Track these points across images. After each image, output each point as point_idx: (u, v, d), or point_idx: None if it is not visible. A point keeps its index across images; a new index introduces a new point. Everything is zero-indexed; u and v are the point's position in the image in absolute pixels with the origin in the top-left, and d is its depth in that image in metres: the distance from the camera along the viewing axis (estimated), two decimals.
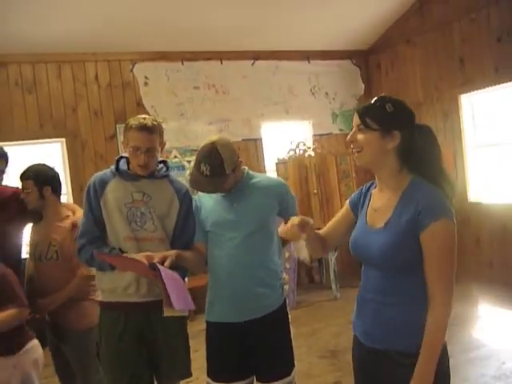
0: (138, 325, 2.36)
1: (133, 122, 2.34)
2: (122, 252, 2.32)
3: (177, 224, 2.44)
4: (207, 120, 6.38)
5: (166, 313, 2.06)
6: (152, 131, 2.34)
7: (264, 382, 2.34)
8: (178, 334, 2.47)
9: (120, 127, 6.00)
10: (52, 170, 2.96)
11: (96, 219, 2.39)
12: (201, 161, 2.26)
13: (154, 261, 2.12)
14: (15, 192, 2.96)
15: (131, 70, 6.16)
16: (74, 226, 2.79)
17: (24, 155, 5.55)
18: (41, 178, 2.85)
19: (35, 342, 2.55)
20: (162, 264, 2.12)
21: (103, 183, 2.40)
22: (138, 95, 6.17)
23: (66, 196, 5.75)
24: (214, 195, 2.40)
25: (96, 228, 2.39)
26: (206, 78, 6.50)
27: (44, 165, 2.95)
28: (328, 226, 2.02)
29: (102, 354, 2.43)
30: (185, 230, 2.44)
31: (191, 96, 6.40)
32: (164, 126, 6.08)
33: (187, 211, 2.46)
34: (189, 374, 2.52)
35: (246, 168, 2.46)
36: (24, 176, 2.86)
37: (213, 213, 2.38)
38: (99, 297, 2.49)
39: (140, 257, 2.16)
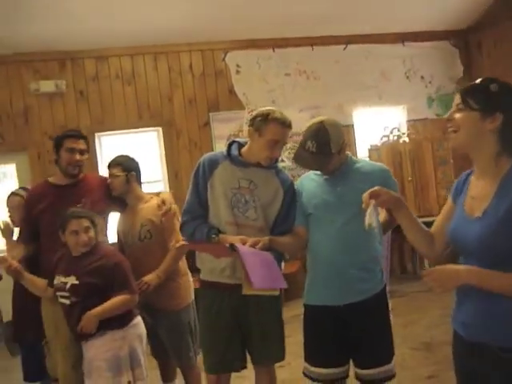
0: (234, 306, 2.42)
1: (275, 115, 2.35)
2: (220, 232, 2.37)
3: (278, 215, 2.47)
4: (298, 107, 6.34)
5: (245, 291, 2.10)
6: (290, 127, 2.40)
7: (363, 368, 2.33)
8: (274, 316, 2.51)
9: (213, 115, 6.15)
10: (135, 159, 3.14)
11: (201, 199, 2.46)
12: (307, 138, 2.30)
13: (247, 244, 2.17)
14: (104, 178, 3.14)
15: (223, 59, 6.26)
16: (162, 202, 2.93)
17: (124, 144, 5.86)
18: (128, 164, 3.05)
19: (139, 319, 2.70)
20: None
21: (213, 165, 2.45)
22: (230, 83, 6.27)
23: (162, 183, 5.99)
24: (316, 178, 2.43)
25: (200, 207, 2.46)
26: (297, 65, 6.46)
27: (128, 155, 3.14)
28: (435, 224, 1.93)
29: (200, 331, 2.53)
30: (285, 221, 2.47)
31: (282, 83, 6.39)
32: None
33: (290, 203, 2.48)
34: (282, 358, 2.55)
35: (349, 153, 2.48)
36: (113, 162, 3.05)
37: (315, 195, 2.41)
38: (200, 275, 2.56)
39: (235, 239, 2.23)
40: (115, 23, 5.40)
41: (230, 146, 2.50)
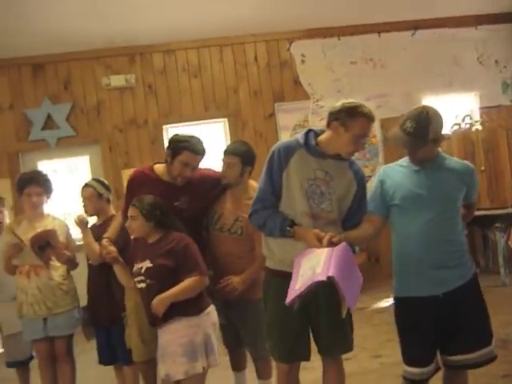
0: (303, 296, 2.40)
1: (362, 110, 2.32)
2: (294, 224, 2.36)
3: (351, 207, 2.45)
4: (365, 96, 6.19)
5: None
6: (374, 120, 2.40)
7: (464, 353, 2.37)
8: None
9: (278, 106, 6.15)
10: (252, 149, 3.04)
11: (274, 187, 2.42)
12: (408, 118, 2.33)
13: (325, 240, 2.20)
14: (205, 174, 3.07)
15: (288, 49, 6.23)
16: None
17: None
18: (247, 158, 2.95)
19: (213, 307, 2.74)
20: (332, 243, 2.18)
21: (289, 152, 2.40)
22: (295, 73, 6.23)
23: None
24: (402, 169, 2.44)
25: (272, 196, 2.43)
26: (364, 53, 6.33)
27: (249, 145, 3.05)
28: None
29: (267, 320, 2.53)
30: (357, 214, 2.46)
31: (348, 71, 6.28)
32: (321, 103, 6.07)
33: (362, 195, 2.47)
34: (350, 349, 2.53)
35: (440, 149, 2.47)
36: (232, 151, 2.98)
37: (402, 186, 2.40)
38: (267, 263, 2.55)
39: (310, 234, 2.25)
40: (181, 18, 5.49)
41: (306, 134, 2.45)
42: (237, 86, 6.15)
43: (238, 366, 3.26)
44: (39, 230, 3.24)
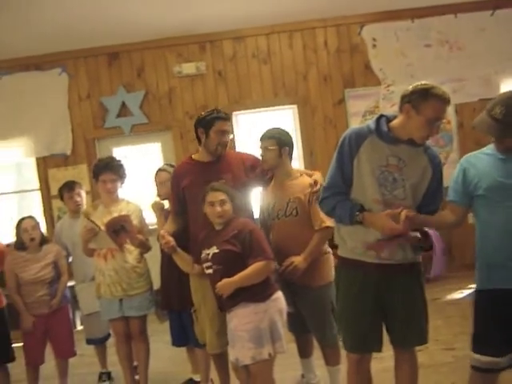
0: (376, 286, 2.38)
1: (435, 91, 2.25)
2: (364, 210, 2.32)
3: (426, 193, 2.38)
4: (439, 80, 5.90)
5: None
6: (449, 103, 2.30)
7: None
8: (418, 298, 2.43)
9: (348, 92, 6.04)
10: (289, 133, 3.15)
11: (344, 174, 2.39)
12: (497, 103, 2.24)
13: (403, 214, 2.17)
14: (244, 155, 3.22)
15: (359, 33, 6.09)
16: (315, 182, 2.93)
17: (260, 122, 5.99)
18: (283, 138, 3.05)
19: (280, 294, 2.76)
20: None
21: (359, 139, 2.37)
22: (365, 58, 6.09)
23: (298, 161, 6.04)
24: (487, 158, 2.36)
25: (343, 183, 2.40)
26: (439, 34, 6.07)
27: (283, 129, 3.14)
28: None
29: (338, 309, 2.52)
30: (433, 201, 2.40)
31: (422, 55, 6.05)
32: (393, 88, 5.87)
33: (438, 181, 2.40)
34: (425, 341, 2.48)
35: None
36: (267, 135, 3.07)
37: (487, 176, 2.32)
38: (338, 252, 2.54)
39: (381, 216, 2.23)
40: (251, 4, 5.47)
41: (378, 120, 2.40)
42: (306, 71, 6.09)
43: (304, 352, 3.28)
44: (114, 215, 3.37)
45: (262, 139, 3.08)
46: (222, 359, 3.17)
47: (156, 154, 6.23)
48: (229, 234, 2.69)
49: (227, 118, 3.10)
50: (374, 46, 6.08)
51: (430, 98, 2.22)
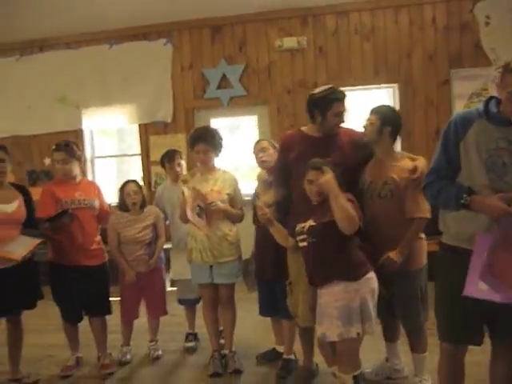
0: None
1: None
2: (472, 192, 2.20)
3: None
4: None
5: None
6: None
7: None
8: None
9: (454, 72, 5.75)
10: (397, 113, 3.07)
11: (451, 159, 2.30)
12: None
13: None
14: (356, 134, 3.14)
15: (471, 10, 5.74)
16: (415, 168, 2.84)
17: (359, 100, 5.87)
18: (385, 115, 2.97)
19: (373, 274, 2.73)
20: None
21: (466, 123, 2.27)
22: (476, 37, 5.74)
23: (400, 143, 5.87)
24: None
25: (448, 167, 2.31)
26: None
27: (393, 108, 3.08)
28: None
29: (437, 296, 2.45)
30: None
31: None
32: None
33: None
34: None
35: None
36: (374, 109, 3.02)
37: None
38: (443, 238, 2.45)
39: (493, 199, 2.11)
40: None
41: (487, 102, 2.28)
42: (410, 49, 5.85)
43: (390, 336, 3.25)
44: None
45: (371, 112, 3.04)
46: (309, 333, 3.22)
47: (251, 127, 6.31)
48: (325, 207, 2.67)
49: (344, 98, 3.04)
50: (487, 23, 5.71)
51: (509, 71, 2.09)
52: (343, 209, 2.57)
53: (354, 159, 3.03)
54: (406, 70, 5.86)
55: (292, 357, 3.53)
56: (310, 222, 2.73)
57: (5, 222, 3.28)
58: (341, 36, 5.96)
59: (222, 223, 3.50)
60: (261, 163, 3.57)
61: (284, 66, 6.06)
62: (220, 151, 3.64)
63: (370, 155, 3.05)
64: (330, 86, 3.10)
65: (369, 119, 3.00)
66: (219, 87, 6.15)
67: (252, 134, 6.10)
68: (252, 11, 5.95)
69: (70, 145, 3.69)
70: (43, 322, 4.62)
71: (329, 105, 2.97)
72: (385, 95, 6.05)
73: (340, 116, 3.02)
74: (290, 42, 5.99)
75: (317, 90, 3.09)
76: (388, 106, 3.08)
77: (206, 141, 3.52)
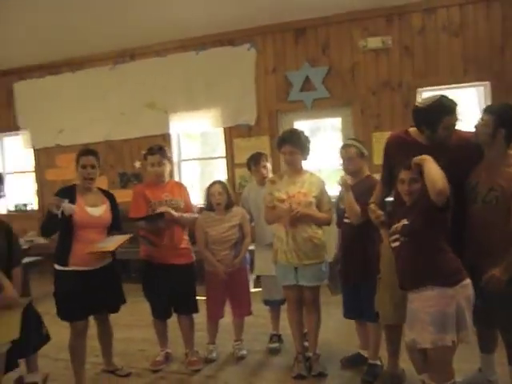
0: None
1: None
2: None
3: None
4: None
5: None
6: None
7: None
8: None
9: None
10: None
11: None
12: None
13: None
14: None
15: None
16: None
17: None
18: (501, 116, 2.72)
19: (469, 281, 2.62)
20: None
21: None
22: None
23: None
24: None
25: None
26: None
27: (510, 106, 2.79)
28: None
29: None
30: None
31: None
32: None
33: None
34: None
35: None
36: (488, 109, 2.81)
37: None
38: None
39: None
40: None
41: None
42: (503, 45, 5.56)
43: (487, 347, 3.09)
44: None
45: (483, 112, 2.83)
46: (395, 333, 3.15)
47: (336, 130, 6.27)
48: (417, 207, 2.63)
49: (455, 108, 2.78)
50: None
51: None
52: (435, 175, 2.52)
53: (463, 163, 2.83)
54: (498, 67, 5.57)
55: (378, 362, 3.47)
56: (404, 221, 2.67)
57: (92, 225, 3.45)
58: (427, 34, 5.78)
59: (308, 225, 3.50)
60: (346, 170, 3.53)
61: (368, 67, 5.97)
62: (307, 154, 3.63)
63: (479, 157, 2.86)
64: (437, 96, 2.80)
65: (482, 119, 2.78)
66: (302, 90, 6.16)
67: (335, 136, 6.06)
68: (335, 12, 5.91)
69: (163, 148, 3.84)
70: (134, 318, 4.84)
71: (438, 119, 2.74)
72: (472, 94, 5.77)
73: (451, 128, 2.79)
74: (374, 42, 5.89)
75: (423, 102, 2.86)
76: (505, 105, 2.81)
77: (292, 142, 3.53)
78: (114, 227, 3.61)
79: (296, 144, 3.53)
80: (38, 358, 3.54)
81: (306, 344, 3.76)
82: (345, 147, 3.53)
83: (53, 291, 3.47)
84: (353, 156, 3.44)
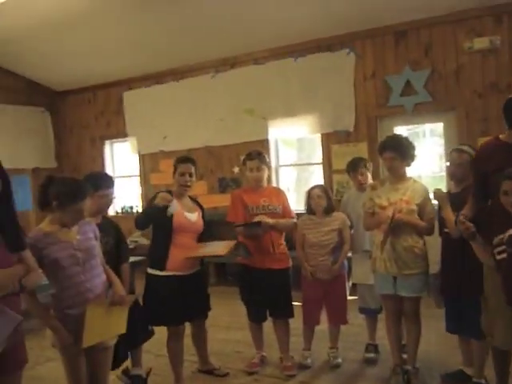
0: None
1: None
2: None
3: None
4: None
5: None
6: None
7: None
8: None
9: None
10: None
11: None
12: None
13: None
14: None
15: None
16: None
17: None
18: None
19: None
20: None
21: None
22: None
23: None
24: None
25: None
26: None
27: None
28: None
29: None
30: None
31: None
32: None
33: None
34: None
35: None
36: None
37: None
38: None
39: None
40: None
41: None
42: None
43: None
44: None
45: None
46: (505, 357, 2.95)
47: (438, 135, 6.04)
48: None
49: None
50: None
51: None
52: None
53: None
54: None
55: (483, 381, 3.27)
56: (510, 232, 2.53)
57: (189, 229, 3.57)
58: None
59: (409, 233, 3.40)
60: (451, 175, 3.40)
61: (474, 69, 5.68)
62: (411, 160, 3.52)
63: None
64: None
65: None
66: (403, 94, 5.99)
67: (435, 142, 5.84)
68: (439, 14, 5.69)
69: (261, 153, 3.91)
70: (231, 320, 4.96)
71: None
72: None
73: None
74: (481, 43, 5.59)
75: None
76: None
77: (394, 148, 3.45)
78: (205, 235, 3.71)
79: (397, 150, 3.44)
80: (142, 353, 3.74)
81: (405, 356, 3.64)
82: (458, 152, 3.35)
83: (143, 295, 3.55)
84: (464, 162, 3.27)
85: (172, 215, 3.45)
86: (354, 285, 4.20)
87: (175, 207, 3.45)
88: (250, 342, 4.11)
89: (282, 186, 6.59)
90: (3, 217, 2.22)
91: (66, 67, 7.81)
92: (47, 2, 5.86)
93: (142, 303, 3.55)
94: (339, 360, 3.96)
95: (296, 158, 7.42)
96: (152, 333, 3.69)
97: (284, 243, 3.92)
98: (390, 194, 3.45)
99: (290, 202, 4.03)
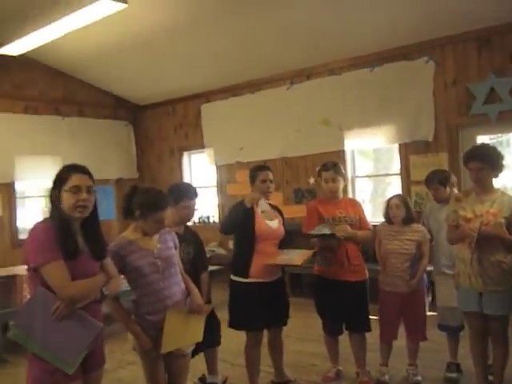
0: None
1: None
2: None
3: None
4: None
5: None
6: None
7: None
8: None
9: None
10: None
11: None
12: None
13: None
14: None
15: None
16: None
17: None
18: None
19: None
20: None
21: None
22: None
23: None
24: None
25: None
26: None
27: None
28: None
29: None
30: None
31: None
32: None
33: None
34: None
35: None
36: None
37: None
38: None
39: None
40: None
41: None
42: None
43: None
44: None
45: None
46: None
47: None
48: None
49: None
50: None
51: None
52: None
53: None
54: None
55: None
56: None
57: (271, 237, 3.62)
58: None
59: (497, 248, 3.23)
60: None
61: None
62: (499, 171, 3.33)
63: None
64: None
65: None
66: (486, 102, 5.72)
67: None
68: None
69: (337, 164, 3.88)
70: (306, 331, 4.92)
71: None
72: None
73: None
74: None
75: None
76: None
77: (480, 158, 3.28)
78: (284, 242, 3.73)
79: (485, 160, 3.27)
80: (217, 361, 3.79)
81: (490, 378, 3.45)
82: None
83: (228, 301, 3.64)
84: None
85: (254, 217, 3.53)
86: (433, 300, 4.05)
87: (263, 205, 3.59)
88: (325, 354, 4.06)
89: (358, 198, 6.50)
90: (90, 228, 2.36)
91: (148, 82, 8.15)
92: (134, 24, 6.15)
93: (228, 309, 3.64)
94: (419, 378, 3.83)
95: (372, 168, 7.30)
96: (218, 343, 3.75)
97: (360, 255, 3.85)
98: (475, 206, 3.30)
99: (365, 213, 3.97)
